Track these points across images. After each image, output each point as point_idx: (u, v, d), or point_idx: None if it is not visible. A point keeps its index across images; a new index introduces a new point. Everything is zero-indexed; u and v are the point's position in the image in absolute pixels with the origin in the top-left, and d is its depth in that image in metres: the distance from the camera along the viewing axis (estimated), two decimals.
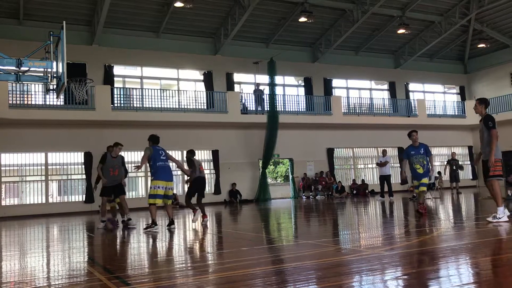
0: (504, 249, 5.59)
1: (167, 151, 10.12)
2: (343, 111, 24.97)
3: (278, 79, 24.02)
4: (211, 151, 22.25)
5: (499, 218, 7.89)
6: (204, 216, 10.74)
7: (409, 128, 28.58)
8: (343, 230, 9.04)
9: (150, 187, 9.82)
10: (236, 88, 24.06)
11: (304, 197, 23.44)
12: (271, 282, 4.42)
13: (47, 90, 9.52)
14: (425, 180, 10.15)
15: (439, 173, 22.51)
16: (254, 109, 23.34)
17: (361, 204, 16.58)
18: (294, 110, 24.30)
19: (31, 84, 18.13)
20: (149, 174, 20.45)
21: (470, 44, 28.56)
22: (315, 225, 10.48)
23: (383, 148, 19.82)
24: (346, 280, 4.34)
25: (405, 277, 4.43)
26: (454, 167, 19.56)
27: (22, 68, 8.72)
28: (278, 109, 22.51)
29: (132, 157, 20.54)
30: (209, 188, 22.55)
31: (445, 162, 21.09)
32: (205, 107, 22.39)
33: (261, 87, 23.33)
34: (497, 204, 8.08)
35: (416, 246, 6.20)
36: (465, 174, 27.57)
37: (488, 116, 8.46)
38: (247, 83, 24.83)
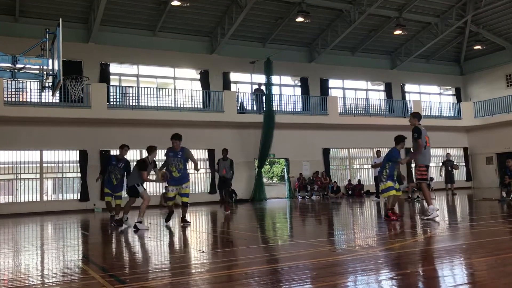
0: (498, 250, 5.61)
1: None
2: (339, 111, 24.98)
3: (275, 79, 24.02)
4: (207, 150, 22.22)
5: (429, 215, 9.08)
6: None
7: (405, 129, 28.56)
8: (338, 230, 9.05)
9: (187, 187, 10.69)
10: (233, 87, 24.03)
11: (299, 197, 23.44)
12: (266, 281, 4.42)
13: (42, 88, 9.46)
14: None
15: (431, 178, 22.56)
16: (251, 108, 23.33)
17: (356, 204, 16.61)
18: (290, 110, 24.29)
19: (26, 81, 18.04)
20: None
21: (466, 46, 28.63)
22: (310, 225, 10.49)
23: (377, 149, 19.83)
24: (341, 280, 4.34)
25: (400, 277, 4.43)
26: (450, 168, 19.60)
27: (18, 65, 8.66)
28: (274, 109, 22.52)
29: (129, 155, 20.48)
30: (204, 187, 22.56)
31: (441, 164, 21.14)
32: (201, 106, 22.35)
33: (262, 87, 23.30)
34: (428, 203, 9.28)
35: (411, 247, 6.22)
36: (460, 176, 27.65)
37: (415, 128, 9.54)
38: (243, 82, 24.81)
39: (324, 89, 25.91)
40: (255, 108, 23.28)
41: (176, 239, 8.58)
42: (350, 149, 26.04)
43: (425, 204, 9.43)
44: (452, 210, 13.00)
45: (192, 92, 22.66)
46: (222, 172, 14.37)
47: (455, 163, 20.65)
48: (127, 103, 20.94)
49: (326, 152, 24.88)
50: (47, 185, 20.22)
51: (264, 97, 22.80)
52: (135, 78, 22.55)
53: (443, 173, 19.33)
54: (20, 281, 5.01)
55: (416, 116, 9.82)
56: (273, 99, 22.81)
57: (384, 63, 28.31)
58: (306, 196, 23.30)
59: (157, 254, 6.88)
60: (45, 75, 8.90)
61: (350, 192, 24.26)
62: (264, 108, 22.48)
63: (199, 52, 23.32)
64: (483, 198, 16.44)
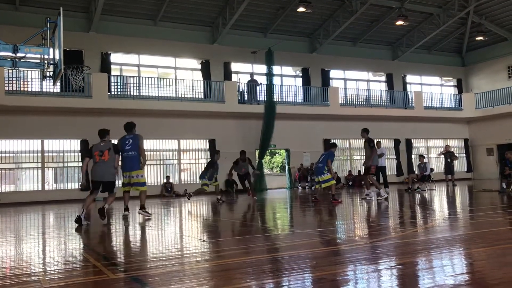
0: (497, 241, 5.64)
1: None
2: (340, 102, 24.95)
3: (276, 69, 23.97)
4: (208, 140, 22.25)
5: (383, 196, 12.89)
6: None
7: (406, 120, 28.54)
8: (338, 220, 9.08)
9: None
10: (234, 77, 23.99)
11: (300, 187, 23.50)
12: (266, 270, 4.45)
13: (43, 77, 9.43)
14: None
15: (431, 169, 22.60)
16: (247, 99, 23.28)
17: (356, 195, 16.64)
18: (291, 100, 24.27)
19: (27, 70, 18.02)
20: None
21: (468, 37, 28.52)
22: (310, 215, 10.53)
23: (377, 140, 19.82)
24: (341, 269, 4.37)
25: (399, 267, 4.46)
26: (449, 160, 19.63)
27: (19, 54, 8.63)
28: (275, 100, 22.49)
29: None
30: (205, 177, 22.54)
31: (441, 155, 21.17)
32: (202, 96, 22.33)
33: (255, 77, 23.26)
34: (377, 188, 13.32)
35: (411, 237, 6.25)
36: (460, 167, 27.69)
37: (370, 139, 13.29)
38: (244, 72, 24.76)
39: (326, 80, 25.86)
40: (253, 99, 23.23)
41: (176, 229, 8.62)
42: (350, 140, 26.04)
43: (380, 190, 13.19)
44: (452, 201, 13.04)
45: (193, 82, 22.62)
46: (241, 171, 15.79)
47: (455, 154, 20.66)
48: (128, 93, 20.93)
49: (327, 143, 24.86)
50: (48, 174, 20.28)
51: (259, 88, 22.82)
52: (136, 68, 22.51)
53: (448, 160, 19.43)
54: (22, 269, 5.05)
55: (365, 131, 13.41)
56: (274, 89, 22.77)
57: (386, 54, 28.22)
58: (307, 187, 23.35)
59: (158, 243, 6.92)
60: (46, 65, 8.88)
61: (350, 183, 24.30)
62: (263, 99, 22.49)
63: (200, 42, 23.24)
64: (483, 189, 16.47)
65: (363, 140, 13.66)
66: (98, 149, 9.20)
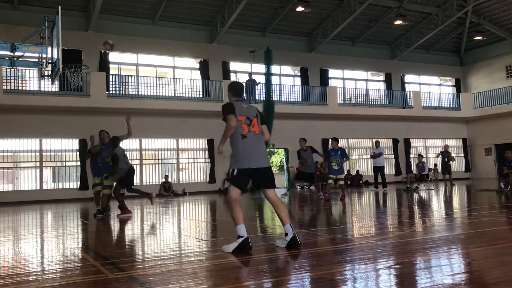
0: (495, 240, 5.65)
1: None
2: (338, 102, 24.95)
3: (275, 68, 23.94)
4: (206, 140, 22.23)
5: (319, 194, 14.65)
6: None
7: (405, 120, 28.64)
8: (337, 219, 9.08)
9: None
10: (232, 77, 23.97)
11: (298, 187, 23.49)
12: (264, 270, 4.45)
13: (41, 76, 9.44)
14: (341, 176, 13.80)
15: (435, 165, 22.67)
16: (246, 99, 23.26)
17: (355, 194, 16.65)
18: (290, 100, 24.26)
19: (25, 69, 17.99)
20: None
21: (466, 37, 28.54)
22: (308, 214, 10.53)
23: (375, 140, 19.85)
24: (339, 269, 4.37)
25: (398, 266, 4.47)
26: (446, 159, 19.70)
27: (17, 53, 8.64)
28: (274, 99, 22.48)
29: (128, 144, 20.52)
30: (203, 177, 22.57)
31: (439, 155, 21.25)
32: (200, 96, 22.31)
33: (253, 77, 23.26)
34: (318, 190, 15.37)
35: (409, 236, 6.25)
36: (458, 167, 27.73)
37: (311, 147, 15.18)
38: (243, 72, 24.73)
39: (324, 79, 25.86)
40: (251, 99, 23.22)
41: (175, 228, 8.61)
42: (349, 140, 26.05)
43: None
44: (450, 201, 13.05)
45: (191, 81, 22.60)
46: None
47: (452, 155, 20.71)
48: (127, 92, 20.90)
49: (325, 142, 24.88)
50: (46, 173, 20.24)
51: (257, 87, 22.80)
52: (134, 67, 22.49)
53: (439, 164, 19.55)
54: (20, 268, 5.04)
55: (305, 140, 14.89)
56: (273, 89, 22.76)
57: (384, 54, 28.22)
58: (305, 186, 23.34)
59: (157, 242, 6.91)
60: (44, 64, 8.88)
61: (349, 182, 24.27)
62: (261, 98, 22.48)
63: (198, 41, 23.22)
64: (481, 189, 16.50)
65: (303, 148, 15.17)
66: (243, 112, 5.56)
